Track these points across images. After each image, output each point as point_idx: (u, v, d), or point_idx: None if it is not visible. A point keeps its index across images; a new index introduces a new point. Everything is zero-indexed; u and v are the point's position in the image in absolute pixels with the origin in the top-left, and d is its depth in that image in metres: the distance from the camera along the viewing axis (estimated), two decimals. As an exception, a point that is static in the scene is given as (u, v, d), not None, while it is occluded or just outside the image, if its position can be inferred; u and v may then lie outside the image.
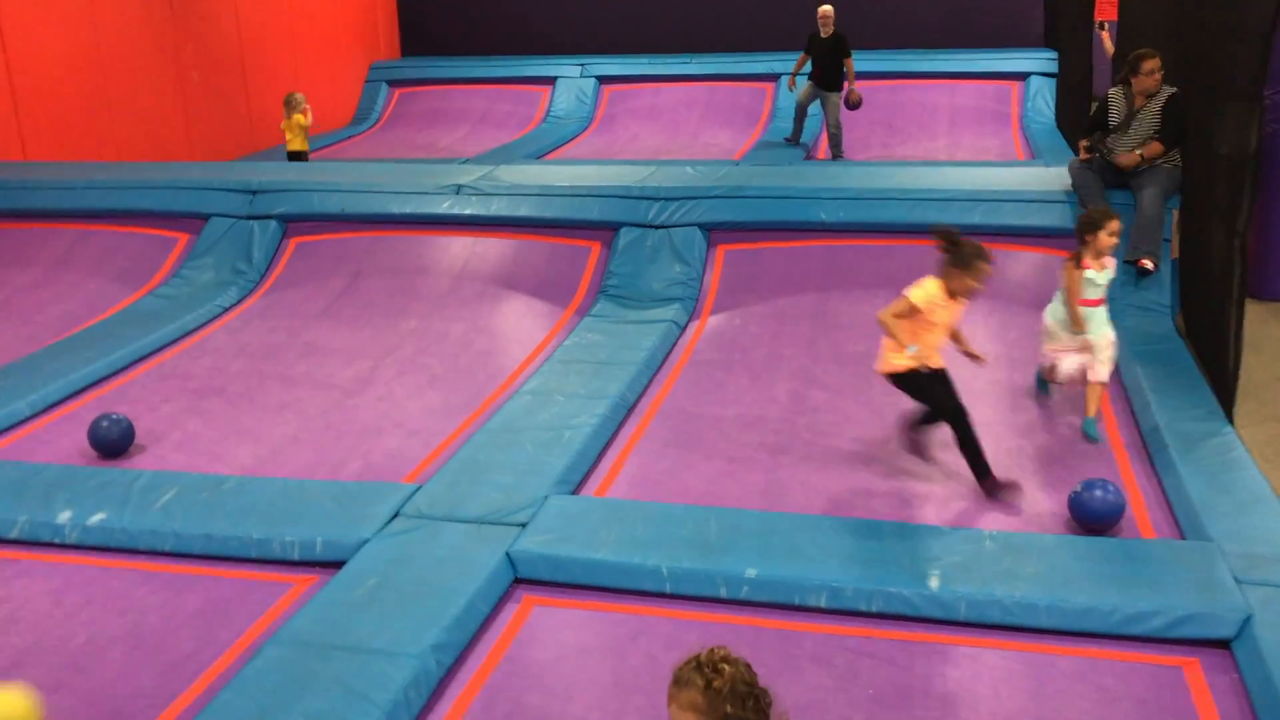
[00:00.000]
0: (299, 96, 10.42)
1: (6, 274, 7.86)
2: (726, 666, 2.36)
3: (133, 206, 8.21)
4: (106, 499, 4.67)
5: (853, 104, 11.24)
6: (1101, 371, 5.21)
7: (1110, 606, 3.81)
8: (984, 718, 3.45)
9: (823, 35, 11.27)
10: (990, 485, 4.70)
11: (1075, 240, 5.28)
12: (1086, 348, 5.23)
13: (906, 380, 4.77)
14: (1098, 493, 4.41)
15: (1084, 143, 6.96)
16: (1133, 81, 6.74)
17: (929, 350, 4.73)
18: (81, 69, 10.18)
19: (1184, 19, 6.63)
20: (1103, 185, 6.84)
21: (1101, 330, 5.24)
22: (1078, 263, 5.18)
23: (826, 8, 11.28)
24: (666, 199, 7.56)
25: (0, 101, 9.40)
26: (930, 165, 9.25)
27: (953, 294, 4.65)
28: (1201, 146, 6.20)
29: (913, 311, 4.68)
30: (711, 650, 2.41)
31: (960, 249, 4.60)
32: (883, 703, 3.54)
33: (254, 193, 8.11)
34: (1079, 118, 11.36)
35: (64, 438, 5.54)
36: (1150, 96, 6.64)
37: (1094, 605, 3.82)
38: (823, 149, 12.10)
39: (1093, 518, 4.41)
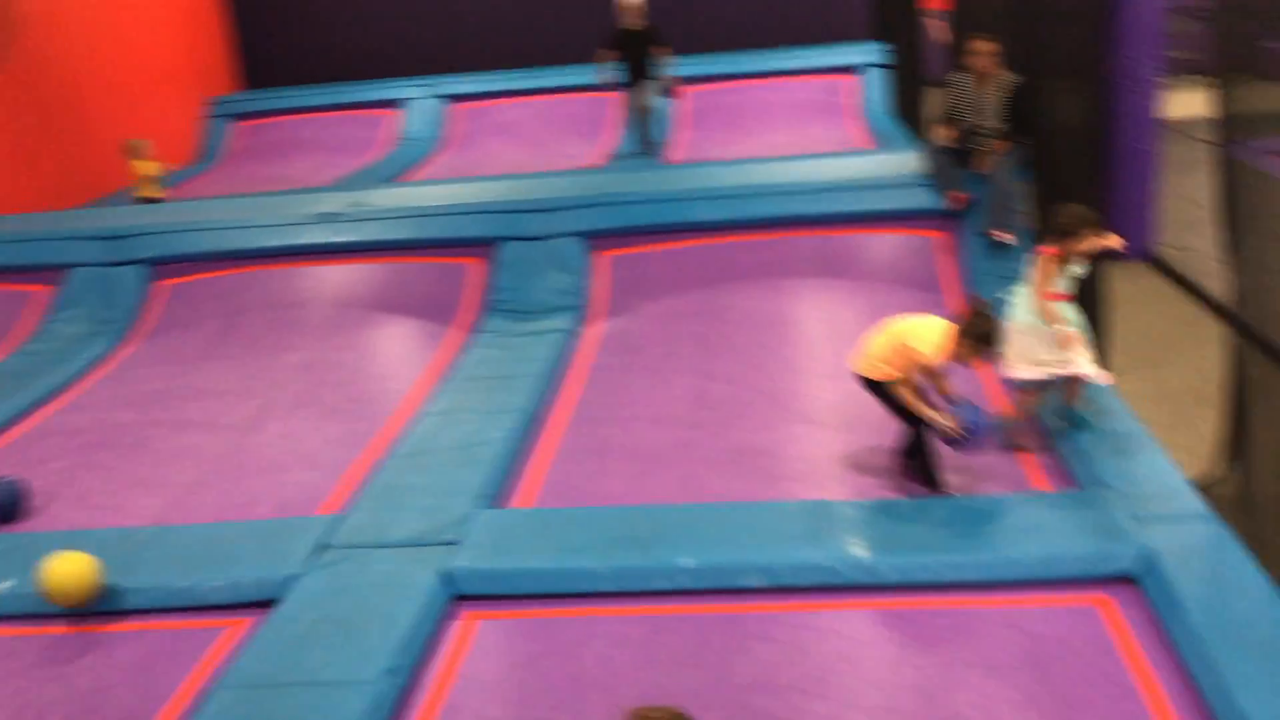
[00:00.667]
0: (138, 142, 10.02)
1: None
2: None
3: (-17, 263, 7.85)
4: (12, 565, 4.49)
5: (670, 95, 11.25)
6: (1089, 367, 4.80)
7: (1024, 556, 4.06)
8: (929, 672, 3.65)
9: (632, 29, 10.70)
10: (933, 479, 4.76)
11: (1058, 236, 4.77)
12: (1061, 363, 4.79)
13: (881, 387, 4.78)
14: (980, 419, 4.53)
15: (944, 131, 7.27)
16: (969, 64, 7.12)
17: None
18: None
19: (1017, 3, 7.05)
20: (957, 167, 7.21)
21: (1074, 322, 4.84)
22: (1063, 260, 4.76)
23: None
24: (545, 211, 7.64)
25: None
26: (789, 160, 9.53)
27: (956, 357, 4.54)
28: (1047, 122, 6.60)
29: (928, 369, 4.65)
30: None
31: (984, 322, 4.50)
32: (830, 669, 3.70)
33: (116, 238, 7.84)
34: (914, 105, 11.90)
35: (-53, 507, 5.27)
36: (993, 81, 7.03)
37: (1010, 557, 4.08)
38: (682, 150, 12.34)
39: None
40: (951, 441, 4.58)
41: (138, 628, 4.21)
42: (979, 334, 4.46)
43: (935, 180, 7.30)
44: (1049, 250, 4.79)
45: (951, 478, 4.76)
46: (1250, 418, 4.46)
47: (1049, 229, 4.86)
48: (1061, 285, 4.83)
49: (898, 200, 7.35)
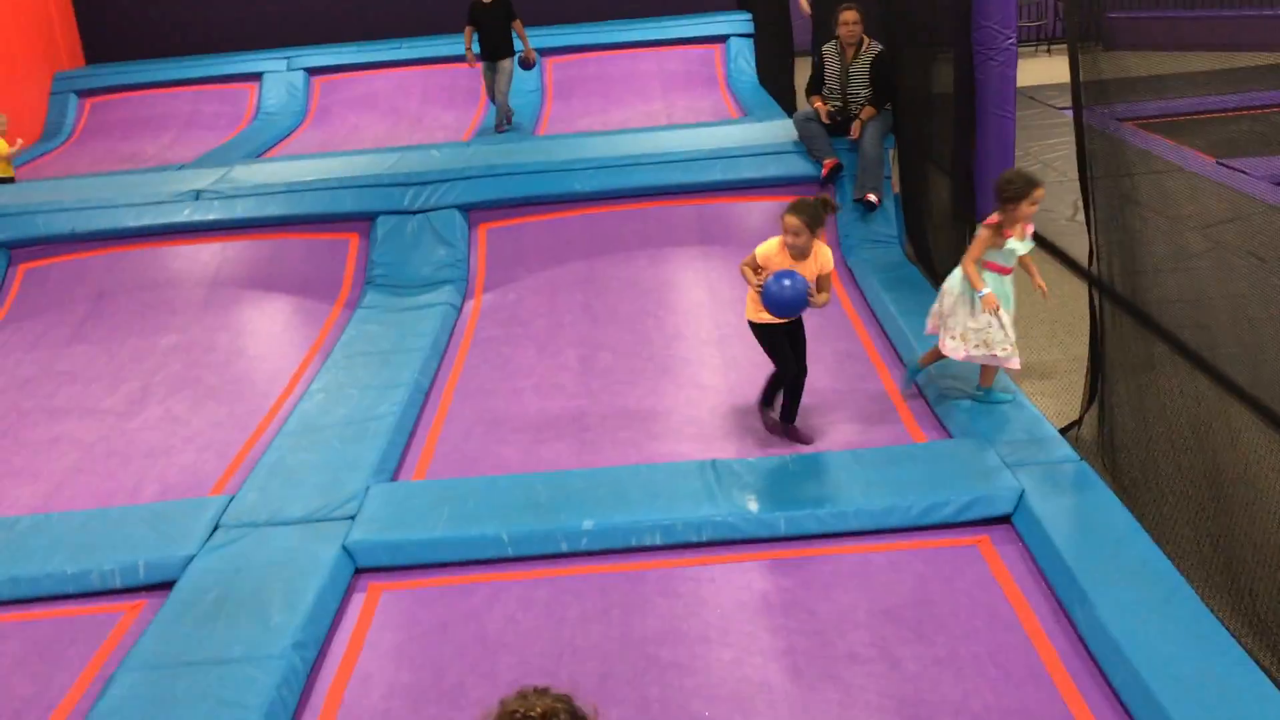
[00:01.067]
0: (2, 118, 9.52)
1: None
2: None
3: None
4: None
5: (529, 65, 11.16)
6: (1011, 358, 4.88)
7: (907, 503, 4.29)
8: (825, 616, 3.83)
9: (486, 2, 10.64)
10: (793, 430, 5.04)
11: (999, 203, 4.76)
12: (982, 339, 4.86)
13: (764, 331, 4.95)
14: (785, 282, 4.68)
15: (818, 103, 7.48)
16: (837, 34, 7.35)
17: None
18: None
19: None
20: (827, 134, 7.43)
21: (1008, 305, 4.89)
22: (999, 230, 4.77)
23: None
24: (420, 184, 7.59)
25: None
26: (662, 130, 9.66)
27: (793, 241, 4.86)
28: (911, 89, 6.86)
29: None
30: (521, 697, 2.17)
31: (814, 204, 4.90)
32: (731, 619, 3.86)
33: (-34, 221, 7.50)
34: (779, 75, 12.16)
35: None
36: (858, 50, 7.27)
37: (894, 504, 4.29)
38: (544, 124, 12.35)
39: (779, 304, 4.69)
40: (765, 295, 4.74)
41: (29, 617, 4.10)
42: (808, 211, 4.82)
43: (806, 147, 7.51)
44: (990, 220, 4.80)
45: (838, 432, 4.98)
46: (1106, 364, 4.77)
47: (996, 197, 4.75)
48: (999, 258, 4.82)
49: (771, 168, 7.54)
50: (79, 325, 6.88)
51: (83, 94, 14.02)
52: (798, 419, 5.06)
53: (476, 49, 10.82)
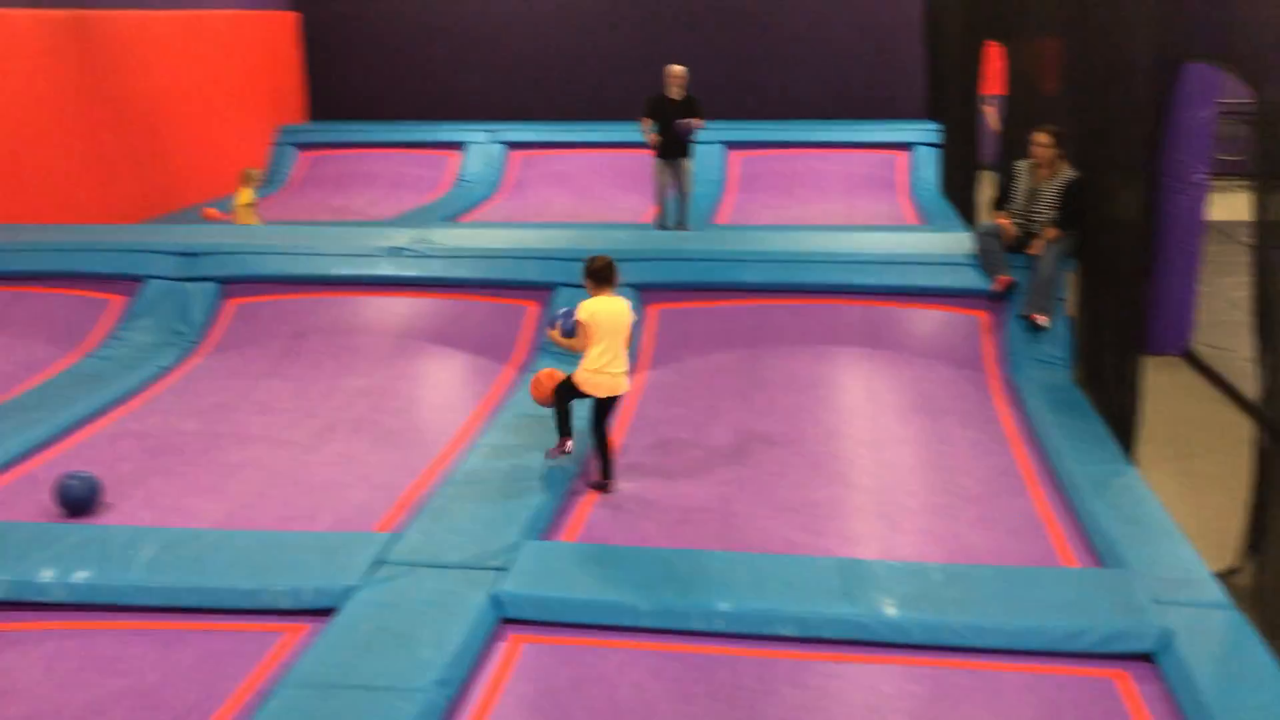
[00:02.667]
0: (254, 171, 10.41)
1: (-67, 337, 7.79)
2: None
3: (65, 269, 8.22)
4: (87, 556, 4.76)
5: (687, 131, 10.52)
6: None
7: (1047, 627, 4.26)
8: (949, 728, 3.84)
9: (672, 97, 10.62)
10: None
11: None
12: None
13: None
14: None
15: (1003, 219, 7.53)
16: (1029, 155, 7.40)
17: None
18: (-5, 131, 10.12)
19: (1076, 94, 7.34)
20: (1006, 250, 7.46)
21: None
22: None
23: (679, 67, 10.70)
24: (600, 261, 7.92)
25: (-86, 163, 9.29)
26: (839, 230, 9.83)
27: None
28: (1098, 213, 6.85)
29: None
30: None
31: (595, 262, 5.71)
32: (856, 719, 3.90)
33: (191, 255, 8.21)
34: (962, 186, 12.19)
35: (23, 497, 5.57)
36: (1052, 172, 7.30)
37: (1033, 626, 4.27)
38: (722, 214, 12.68)
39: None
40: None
41: (203, 627, 4.46)
42: (591, 271, 5.64)
43: (982, 261, 7.55)
44: None
45: (983, 546, 4.98)
46: (1270, 512, 4.65)
47: None
48: None
49: (944, 278, 7.60)
50: (277, 360, 7.43)
51: (302, 147, 15.12)
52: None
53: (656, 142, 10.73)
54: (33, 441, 6.15)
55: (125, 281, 8.16)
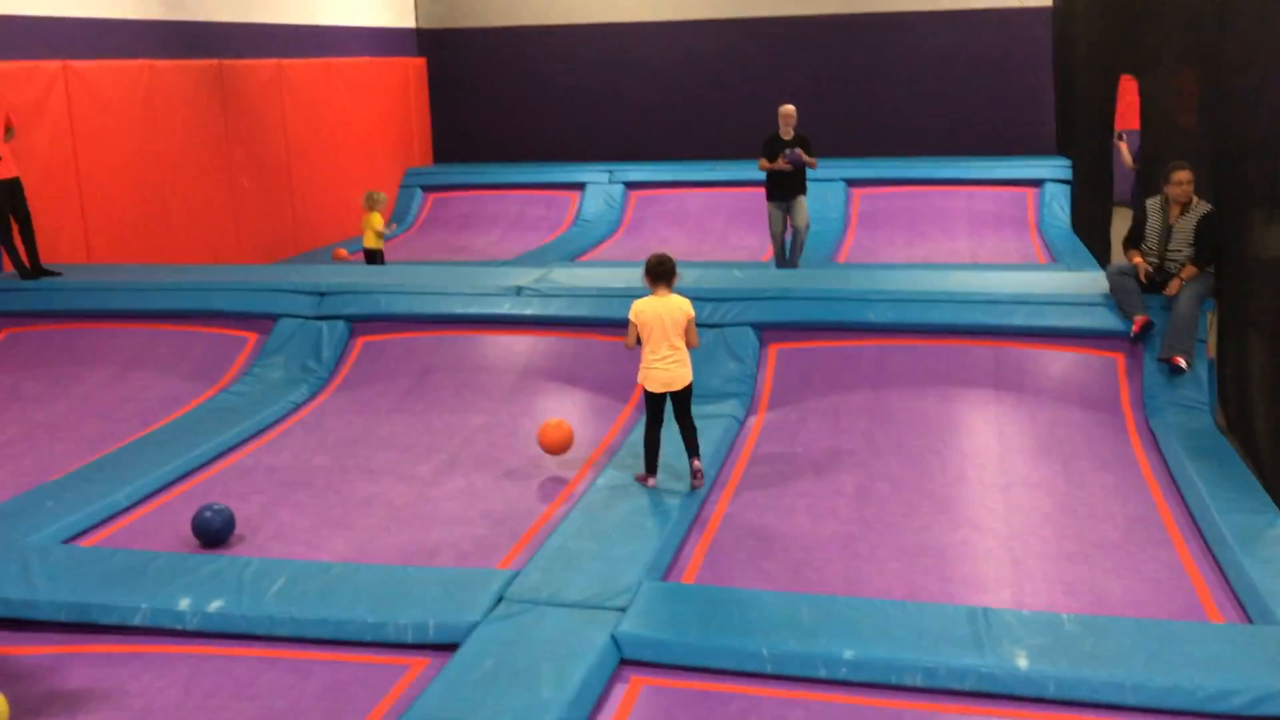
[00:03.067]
0: (377, 195, 10.74)
1: (83, 372, 8.16)
2: None
3: (203, 307, 8.56)
4: (221, 586, 4.89)
5: (795, 159, 10.31)
6: None
7: (1193, 685, 4.03)
8: (1088, 789, 3.66)
9: (784, 137, 10.57)
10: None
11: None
12: None
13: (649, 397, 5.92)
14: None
15: (1137, 258, 7.29)
16: (1166, 192, 7.15)
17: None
18: (142, 176, 10.64)
19: (1211, 130, 7.07)
20: (1141, 290, 7.20)
21: None
22: None
23: (789, 107, 10.65)
24: (719, 300, 7.92)
25: (69, 208, 9.82)
26: (965, 268, 9.64)
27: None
28: (1237, 252, 6.57)
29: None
30: None
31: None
32: (989, 776, 3.75)
33: (322, 294, 8.47)
34: (1095, 224, 11.85)
35: (163, 527, 5.78)
36: (1185, 208, 7.04)
37: (1178, 684, 4.05)
38: (844, 252, 12.56)
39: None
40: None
41: (330, 657, 4.53)
42: (648, 269, 5.87)
43: (1118, 301, 7.30)
44: None
45: (1122, 597, 4.77)
46: None
47: None
48: None
49: (1077, 318, 7.37)
50: (402, 397, 7.58)
51: (427, 189, 15.54)
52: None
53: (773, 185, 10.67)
54: (171, 474, 6.38)
55: (260, 320, 8.45)
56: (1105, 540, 5.38)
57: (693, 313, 5.91)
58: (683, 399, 5.89)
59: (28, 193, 8.94)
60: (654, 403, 5.90)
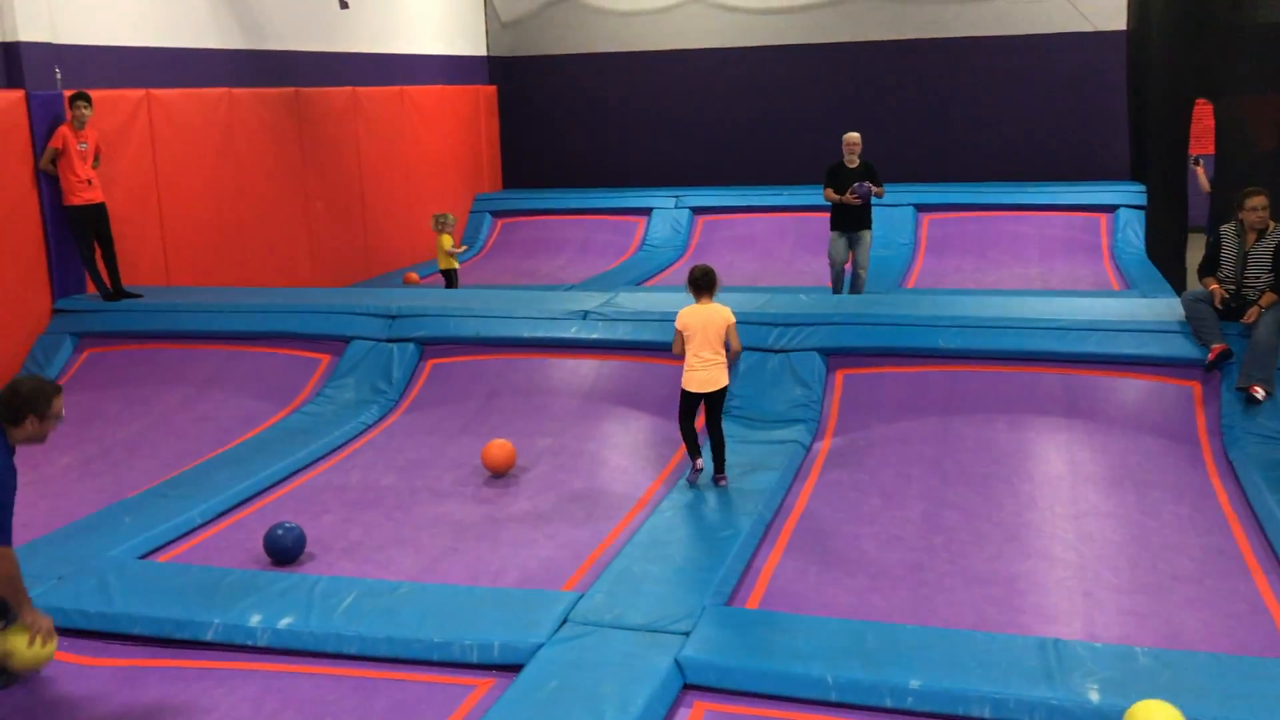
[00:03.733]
0: (446, 216, 10.95)
1: (161, 391, 8.37)
2: None
3: (277, 329, 8.74)
4: (291, 603, 4.97)
5: (864, 192, 10.11)
6: None
7: (1273, 724, 3.92)
8: (1163, 827, 3.56)
9: (849, 165, 10.35)
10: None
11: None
12: None
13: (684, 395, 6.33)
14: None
15: (1213, 284, 7.15)
16: (1241, 218, 7.00)
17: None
18: (220, 201, 10.91)
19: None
20: (1218, 318, 7.05)
21: None
22: None
23: (854, 134, 10.44)
24: (785, 325, 7.91)
25: (151, 233, 10.10)
26: (1036, 295, 9.52)
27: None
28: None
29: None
30: None
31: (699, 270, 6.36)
32: (1059, 811, 3.67)
33: (393, 317, 8.61)
34: (1170, 250, 11.63)
35: (236, 545, 5.89)
36: (1261, 234, 6.89)
37: (1257, 723, 3.94)
38: (913, 278, 12.46)
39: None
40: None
41: (396, 676, 4.58)
42: (691, 280, 6.30)
43: (1194, 329, 7.16)
44: None
45: (1199, 631, 4.66)
46: None
47: None
48: None
49: (1151, 346, 7.24)
50: (469, 419, 7.67)
51: (496, 214, 15.73)
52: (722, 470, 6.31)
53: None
54: (245, 493, 6.51)
55: (333, 342, 8.60)
56: (1181, 572, 5.25)
57: (733, 319, 6.29)
58: (716, 402, 6.33)
59: (111, 216, 9.24)
60: (690, 401, 6.33)
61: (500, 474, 6.71)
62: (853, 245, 10.43)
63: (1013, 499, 6.13)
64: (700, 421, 6.40)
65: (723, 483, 6.25)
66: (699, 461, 6.30)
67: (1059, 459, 6.65)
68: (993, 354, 7.44)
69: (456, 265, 10.91)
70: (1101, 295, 10.70)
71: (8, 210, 8.74)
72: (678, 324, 6.24)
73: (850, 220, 10.38)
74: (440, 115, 15.09)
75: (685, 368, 6.26)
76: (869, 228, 10.47)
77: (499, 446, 6.73)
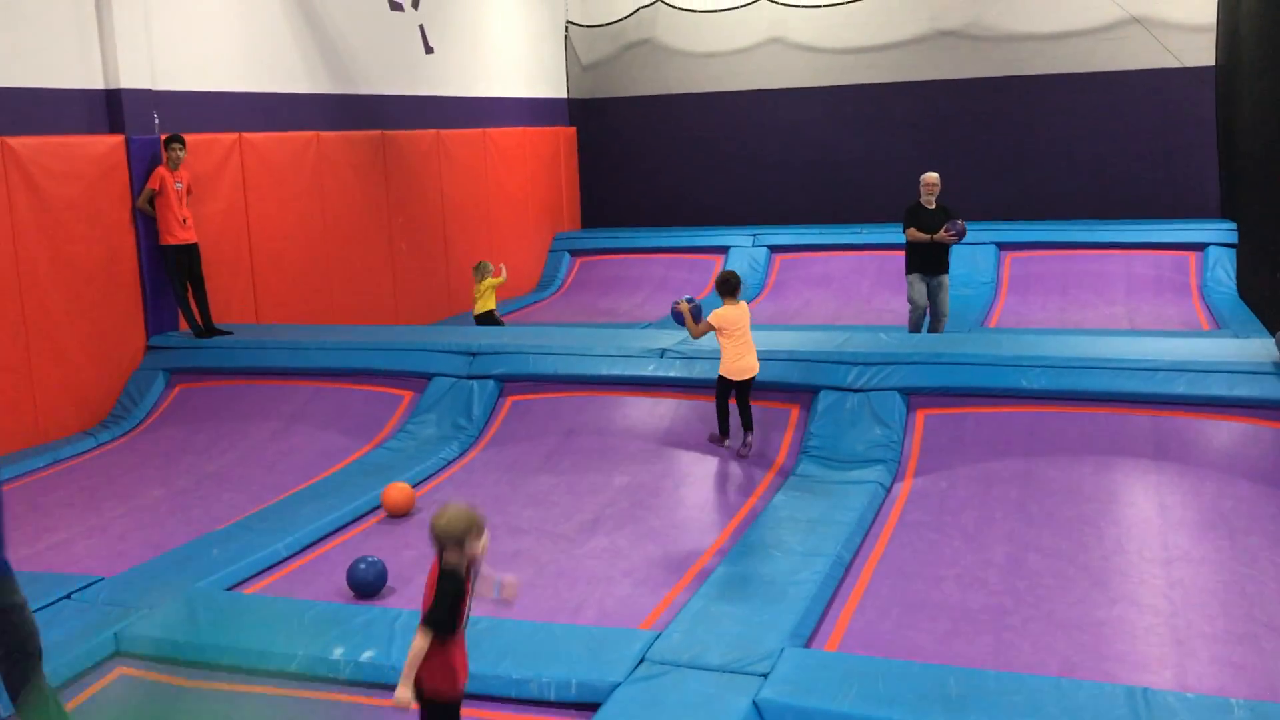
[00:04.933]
0: (485, 265, 11.18)
1: (249, 426, 8.58)
2: None
3: (361, 366, 8.92)
4: (373, 636, 5.04)
5: (956, 233, 9.89)
6: None
7: (1379, 781, 3.76)
8: None
9: (927, 205, 10.10)
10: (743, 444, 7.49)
11: None
12: None
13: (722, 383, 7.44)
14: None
15: None
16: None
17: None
18: (307, 242, 11.19)
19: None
20: (1315, 358, 6.86)
21: None
22: None
23: (932, 175, 10.18)
24: (865, 364, 7.85)
25: (242, 272, 10.40)
26: (1122, 334, 9.33)
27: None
28: None
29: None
30: None
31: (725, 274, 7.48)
32: None
33: (473, 354, 8.73)
34: (1263, 289, 11.32)
35: (320, 577, 5.99)
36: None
37: (1362, 779, 3.78)
38: (995, 317, 12.30)
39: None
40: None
41: (475, 713, 4.59)
42: (719, 283, 7.42)
43: (1287, 369, 6.97)
44: None
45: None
46: None
47: None
48: None
49: (1243, 388, 7.04)
50: (548, 456, 7.72)
51: (575, 253, 15.89)
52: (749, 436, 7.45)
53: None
54: (329, 526, 6.62)
55: (414, 378, 8.75)
56: (1278, 622, 5.08)
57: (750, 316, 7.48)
58: (748, 386, 7.42)
59: (203, 255, 9.53)
60: (727, 386, 7.43)
61: (399, 516, 6.82)
62: (933, 289, 10.18)
63: (1099, 543, 5.99)
64: (731, 400, 7.48)
65: (745, 451, 7.41)
66: (727, 441, 7.50)
67: (1147, 503, 6.49)
68: (1078, 395, 7.30)
69: (492, 307, 11.05)
70: (1191, 335, 10.46)
71: (107, 250, 9.07)
72: (715, 321, 7.28)
73: (931, 263, 10.14)
74: (521, 156, 15.32)
75: (725, 358, 7.32)
76: (948, 270, 10.26)
77: (398, 490, 6.87)
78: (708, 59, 16.64)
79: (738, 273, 7.53)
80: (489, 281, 10.99)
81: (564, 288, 15.27)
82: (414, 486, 7.34)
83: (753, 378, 7.39)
